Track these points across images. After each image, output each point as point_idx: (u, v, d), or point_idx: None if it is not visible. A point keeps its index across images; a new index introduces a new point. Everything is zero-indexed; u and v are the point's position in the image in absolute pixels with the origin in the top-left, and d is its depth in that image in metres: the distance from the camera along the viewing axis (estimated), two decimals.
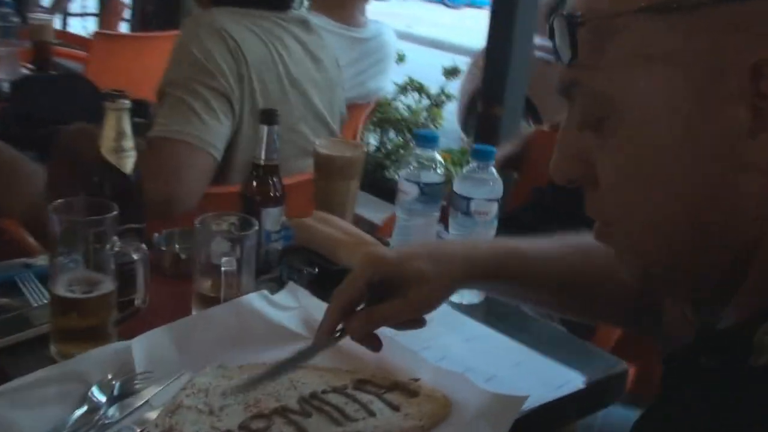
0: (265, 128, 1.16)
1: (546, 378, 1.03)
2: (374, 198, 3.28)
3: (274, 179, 1.19)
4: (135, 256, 0.93)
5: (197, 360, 0.95)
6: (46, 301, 1.03)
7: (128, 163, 1.01)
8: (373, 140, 3.49)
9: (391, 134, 3.44)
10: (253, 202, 1.18)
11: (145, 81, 2.12)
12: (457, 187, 1.20)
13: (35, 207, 1.10)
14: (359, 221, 1.65)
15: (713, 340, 0.54)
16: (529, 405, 0.97)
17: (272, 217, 1.18)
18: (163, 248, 1.22)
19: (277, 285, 1.16)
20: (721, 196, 0.50)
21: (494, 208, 1.19)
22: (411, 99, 3.55)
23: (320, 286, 1.20)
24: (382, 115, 3.35)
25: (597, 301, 0.96)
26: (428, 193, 1.24)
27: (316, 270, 1.20)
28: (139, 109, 1.96)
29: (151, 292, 1.05)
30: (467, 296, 1.21)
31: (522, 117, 2.70)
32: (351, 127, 2.43)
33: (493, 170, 1.20)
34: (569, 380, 1.03)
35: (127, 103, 0.99)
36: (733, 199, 0.50)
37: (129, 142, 1.01)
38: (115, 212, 0.92)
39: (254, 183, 1.18)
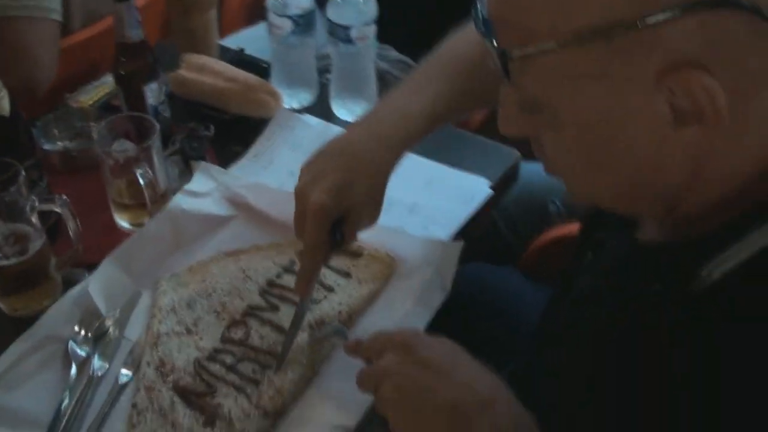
0: (122, 6, 1.06)
1: (458, 192, 1.14)
2: None
3: (144, 53, 1.12)
4: (59, 210, 0.92)
5: (148, 277, 0.99)
6: None
7: (4, 104, 0.93)
8: None
9: None
10: (131, 82, 1.12)
11: None
12: (333, 15, 1.18)
13: None
14: None
15: (652, 256, 0.65)
16: (455, 226, 1.09)
17: (154, 91, 1.14)
18: (48, 147, 1.16)
19: (182, 158, 1.16)
20: (650, 171, 0.58)
21: (372, 30, 1.19)
22: None
23: (221, 140, 1.22)
24: None
25: None
26: (302, 24, 1.21)
27: (212, 129, 1.20)
28: None
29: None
30: (360, 110, 1.26)
31: None
32: None
33: None
34: (477, 189, 1.15)
35: None
36: (660, 172, 0.58)
37: None
38: (22, 174, 0.88)
39: (126, 64, 1.11)
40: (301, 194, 0.86)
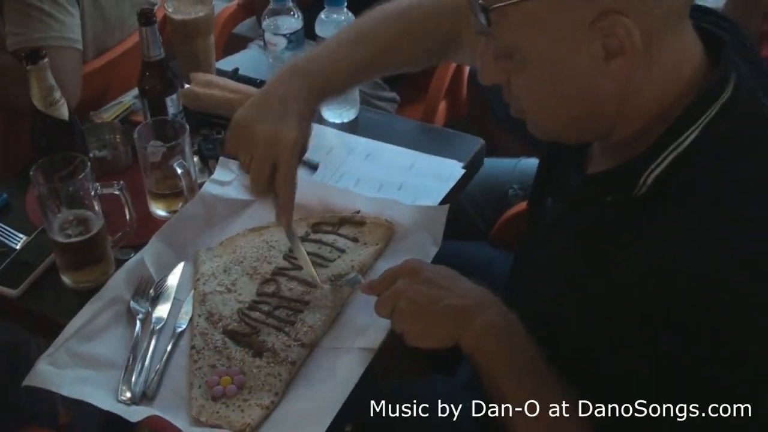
0: (144, 29, 1.26)
1: (436, 173, 1.36)
2: None
3: (165, 69, 1.32)
4: (117, 192, 1.10)
5: (186, 251, 1.19)
6: (21, 238, 1.19)
7: (64, 110, 1.12)
8: None
9: None
10: (154, 94, 1.32)
11: None
12: (320, 30, 1.40)
13: None
14: None
15: (602, 181, 0.87)
16: (437, 200, 1.31)
17: (174, 102, 1.34)
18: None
19: (199, 158, 1.35)
20: (592, 99, 0.81)
21: None
22: None
23: None
24: None
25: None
26: (294, 40, 1.43)
27: (222, 132, 1.40)
28: None
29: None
30: (345, 115, 1.48)
31: None
32: None
33: (346, 9, 1.40)
34: (452, 169, 1.37)
35: (47, 60, 1.08)
36: (598, 100, 0.81)
37: (57, 93, 1.11)
38: (88, 168, 1.07)
39: (150, 79, 1.31)
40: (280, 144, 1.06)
